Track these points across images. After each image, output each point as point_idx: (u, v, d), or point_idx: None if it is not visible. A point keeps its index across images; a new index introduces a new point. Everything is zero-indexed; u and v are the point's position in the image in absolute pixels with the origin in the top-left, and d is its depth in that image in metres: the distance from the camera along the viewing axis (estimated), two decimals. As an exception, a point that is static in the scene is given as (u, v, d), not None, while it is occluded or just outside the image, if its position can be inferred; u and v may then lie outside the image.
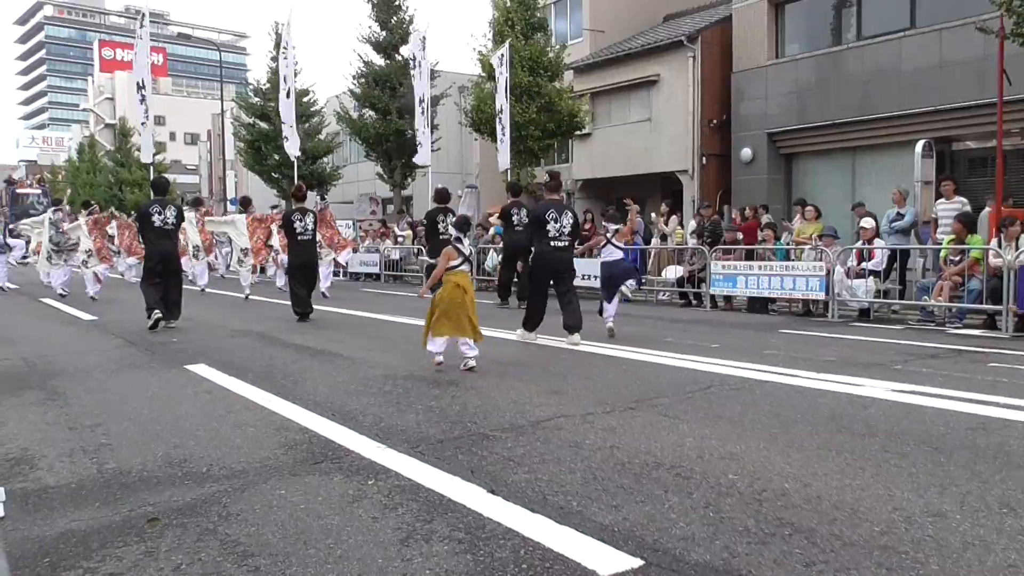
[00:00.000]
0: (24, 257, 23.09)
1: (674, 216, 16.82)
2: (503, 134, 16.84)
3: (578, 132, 22.59)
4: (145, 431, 4.46)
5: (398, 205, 28.07)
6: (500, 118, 16.91)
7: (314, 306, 11.01)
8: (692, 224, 16.01)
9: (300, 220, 10.77)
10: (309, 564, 2.62)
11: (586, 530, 2.85)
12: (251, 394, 5.43)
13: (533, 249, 8.50)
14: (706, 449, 3.92)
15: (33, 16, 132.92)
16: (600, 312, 9.18)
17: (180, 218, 10.10)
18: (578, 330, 8.04)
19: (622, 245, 9.20)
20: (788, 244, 12.74)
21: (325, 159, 32.58)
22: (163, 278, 9.83)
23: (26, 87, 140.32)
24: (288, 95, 20.37)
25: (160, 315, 9.54)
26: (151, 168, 23.42)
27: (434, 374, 6.13)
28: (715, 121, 21.62)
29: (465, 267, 6.46)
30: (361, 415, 4.75)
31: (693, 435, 4.19)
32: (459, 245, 6.50)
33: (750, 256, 12.44)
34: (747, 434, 4.21)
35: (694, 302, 13.12)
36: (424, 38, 17.86)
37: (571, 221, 8.44)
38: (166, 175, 15.86)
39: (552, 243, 8.32)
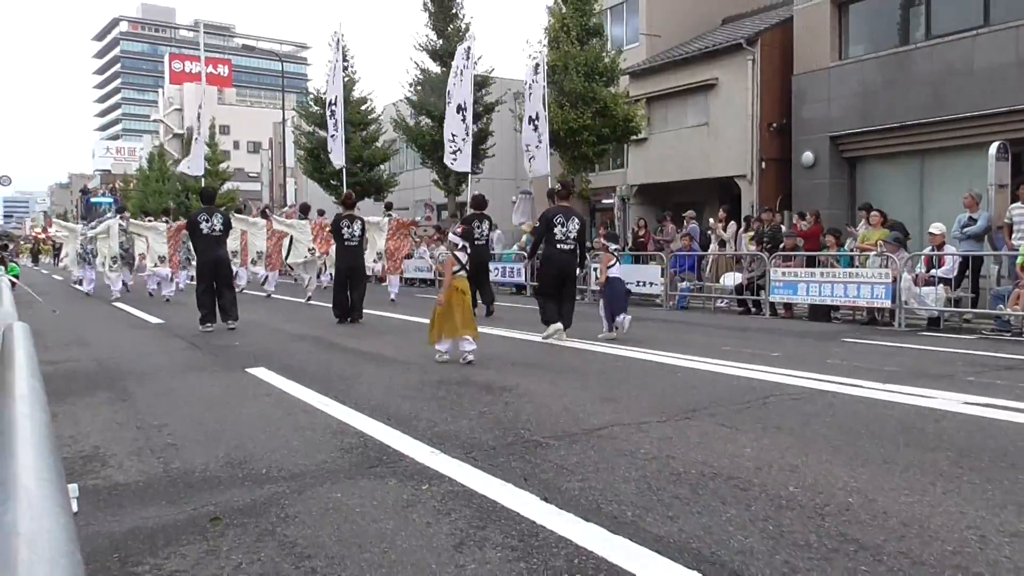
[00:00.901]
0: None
1: (732, 222, 16.57)
2: (539, 141, 16.71)
3: (634, 137, 22.44)
4: (208, 432, 4.56)
5: (453, 211, 28.28)
6: (536, 124, 16.77)
7: (366, 311, 11.16)
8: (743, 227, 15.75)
9: (348, 227, 11.07)
10: (364, 567, 2.64)
11: (641, 540, 2.80)
12: (309, 397, 5.51)
13: (541, 251, 9.07)
14: (765, 460, 3.83)
15: (110, 32, 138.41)
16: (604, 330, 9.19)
17: (227, 225, 10.41)
18: (568, 327, 8.77)
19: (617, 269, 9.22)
20: (852, 250, 12.44)
21: (382, 166, 33.04)
22: (216, 282, 10.18)
23: (102, 100, 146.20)
24: (332, 104, 20.33)
25: (211, 328, 9.87)
26: (202, 180, 23.98)
27: (486, 379, 6.15)
28: (775, 125, 21.24)
29: (463, 273, 7.14)
30: (415, 420, 4.78)
31: (752, 446, 4.10)
32: (458, 254, 7.14)
33: (812, 263, 12.18)
34: (809, 446, 4.10)
35: (753, 310, 12.91)
36: (469, 48, 18.02)
37: (578, 227, 8.97)
38: (230, 182, 16.58)
39: (559, 245, 8.84)
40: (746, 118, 21.56)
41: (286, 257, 15.48)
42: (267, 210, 18.03)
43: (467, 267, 7.24)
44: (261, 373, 6.61)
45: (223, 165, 46.61)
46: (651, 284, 14.56)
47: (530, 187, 22.23)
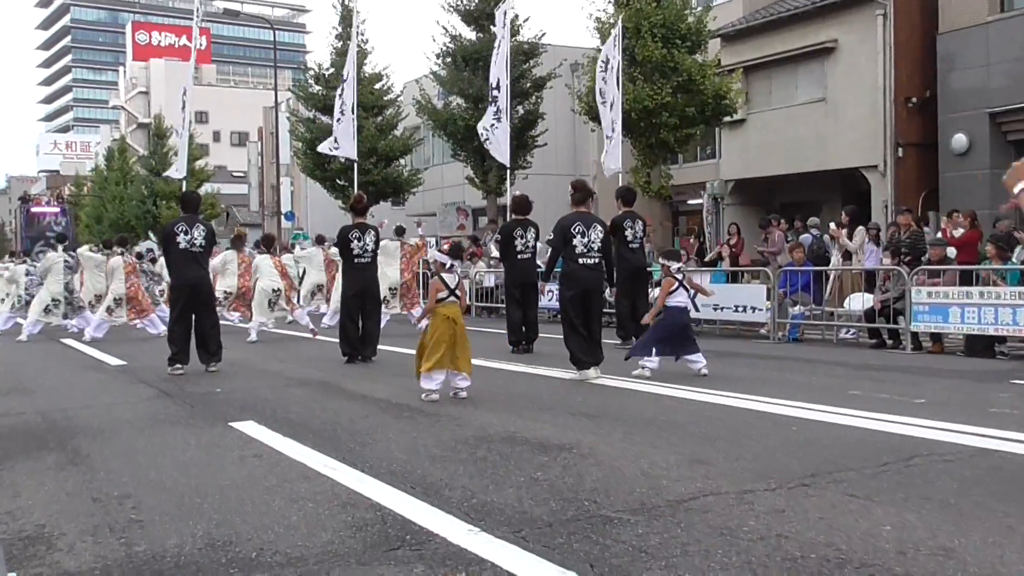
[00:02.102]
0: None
1: (860, 228, 16.36)
2: (612, 130, 16.76)
3: (727, 119, 22.39)
4: (182, 505, 4.63)
5: (493, 216, 28.37)
6: (609, 106, 16.81)
7: (383, 346, 11.25)
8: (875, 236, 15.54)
9: (359, 239, 11.07)
10: None
11: (745, 649, 2.77)
12: (310, 459, 5.57)
13: (560, 270, 9.57)
14: (910, 542, 3.77)
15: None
16: (635, 354, 9.31)
17: (211, 240, 10.58)
18: (599, 363, 9.09)
19: (687, 292, 9.25)
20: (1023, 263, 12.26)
21: (402, 160, 33.39)
22: (193, 312, 10.32)
23: (47, 82, 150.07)
24: (340, 80, 20.70)
25: (181, 371, 10.01)
26: (184, 183, 24.56)
27: (539, 436, 6.14)
28: (915, 100, 21.01)
29: (453, 300, 7.67)
30: (447, 488, 4.79)
31: (891, 522, 4.04)
32: (447, 277, 7.64)
33: (967, 280, 11.99)
34: (968, 522, 4.03)
35: (889, 342, 12.75)
36: (507, 13, 18.24)
37: (601, 236, 9.34)
38: (209, 182, 16.83)
39: (580, 260, 9.25)
40: (875, 91, 21.35)
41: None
42: (268, 239, 18.37)
43: (458, 292, 7.76)
44: (250, 428, 6.70)
45: (200, 163, 47.64)
46: (753, 309, 14.43)
47: (594, 183, 22.34)
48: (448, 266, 7.81)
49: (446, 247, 7.88)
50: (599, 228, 9.42)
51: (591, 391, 8.40)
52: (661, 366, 9.20)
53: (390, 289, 15.45)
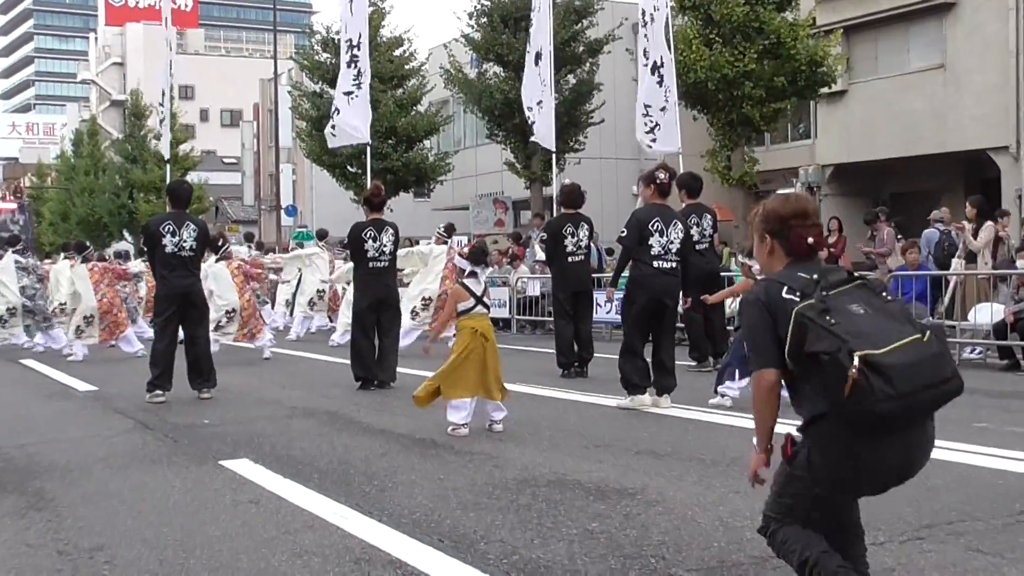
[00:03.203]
0: None
1: (988, 223, 16.14)
2: (665, 100, 16.62)
3: (825, 90, 22.25)
4: (164, 560, 4.67)
5: (538, 210, 28.33)
6: (661, 74, 16.64)
7: (404, 369, 11.27)
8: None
9: (374, 239, 11.09)
10: None
11: None
12: (317, 506, 5.60)
13: (628, 274, 9.56)
14: (1052, 611, 3.71)
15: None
16: (719, 384, 9.18)
17: (204, 241, 10.68)
18: (671, 390, 9.16)
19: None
20: None
21: (427, 143, 33.46)
22: (182, 327, 10.43)
23: (5, 52, 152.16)
24: (353, 47, 20.31)
25: (163, 398, 10.10)
26: (168, 165, 24.77)
27: (595, 479, 6.13)
28: (1056, 64, 20.72)
29: (481, 309, 7.79)
30: (483, 541, 4.80)
31: (1028, 587, 3.98)
32: (469, 282, 7.76)
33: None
34: (1124, 588, 3.96)
35: (1024, 363, 12.57)
36: None
37: (681, 236, 9.33)
38: (195, 171, 16.84)
39: (656, 263, 9.23)
40: (1005, 55, 21.10)
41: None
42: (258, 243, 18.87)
43: (485, 300, 7.85)
44: (244, 468, 6.75)
45: (185, 147, 48.03)
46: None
47: (662, 171, 22.28)
48: (469, 272, 7.89)
49: (467, 250, 7.88)
50: (680, 226, 9.42)
51: (659, 424, 8.38)
52: (746, 393, 9.16)
53: (423, 300, 15.59)
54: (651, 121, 16.76)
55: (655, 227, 9.22)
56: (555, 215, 12.71)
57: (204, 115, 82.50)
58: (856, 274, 3.51)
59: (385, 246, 11.16)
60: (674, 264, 9.35)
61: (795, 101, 21.79)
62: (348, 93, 19.80)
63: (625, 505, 5.46)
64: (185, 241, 10.31)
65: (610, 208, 27.54)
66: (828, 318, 3.21)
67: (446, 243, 16.23)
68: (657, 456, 6.90)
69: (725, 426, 8.16)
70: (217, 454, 7.27)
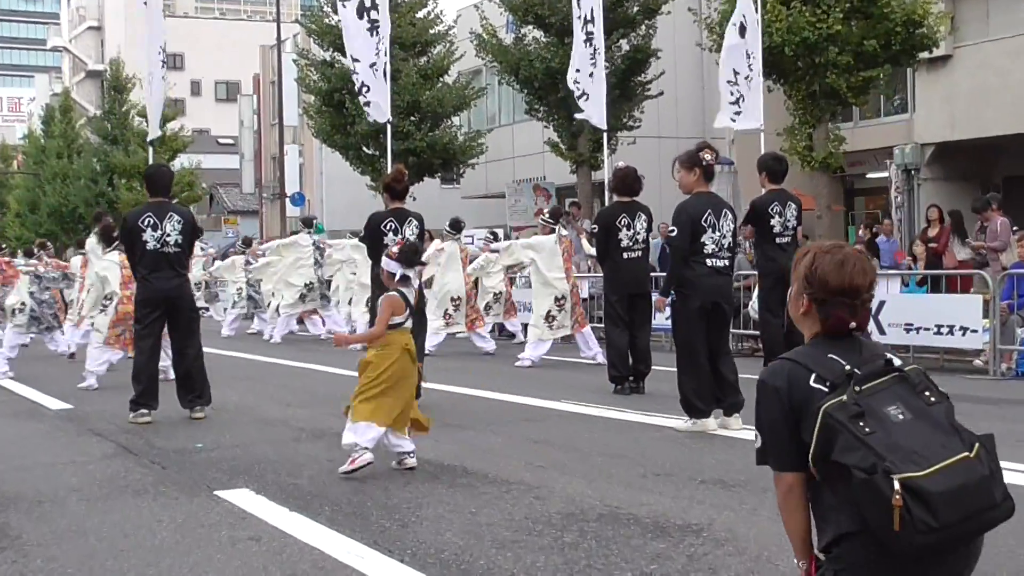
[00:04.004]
0: None
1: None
2: (749, 69, 16.51)
3: (924, 55, 22.07)
4: (150, 605, 4.69)
5: (586, 198, 28.26)
6: (739, 30, 16.54)
7: (432, 385, 11.25)
8: None
9: (395, 232, 10.99)
10: None
11: None
12: (328, 543, 5.59)
13: (682, 275, 9.38)
14: None
15: None
16: None
17: (191, 234, 10.63)
18: (739, 408, 9.01)
19: None
20: None
21: (455, 120, 33.46)
22: (168, 336, 10.47)
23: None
24: (369, 7, 20.24)
25: (148, 418, 10.10)
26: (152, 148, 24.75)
27: (653, 513, 6.10)
28: None
29: (409, 323, 7.56)
30: (523, 586, 4.79)
31: None
32: (404, 289, 7.50)
33: None
34: None
35: None
36: None
37: (732, 227, 9.40)
38: (185, 152, 16.87)
39: (709, 262, 9.17)
40: None
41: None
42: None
43: (415, 308, 7.72)
44: (243, 499, 6.76)
45: (174, 125, 48.15)
46: (964, 331, 14.17)
47: (730, 151, 22.16)
48: (400, 277, 7.56)
49: (395, 249, 7.60)
50: (730, 217, 9.40)
51: (728, 449, 8.34)
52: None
53: (452, 300, 15.58)
54: (736, 92, 16.71)
55: (707, 221, 9.19)
56: (607, 204, 12.62)
57: (195, 88, 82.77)
58: (894, 362, 3.37)
59: (409, 240, 11.15)
60: (727, 262, 9.37)
61: (888, 68, 21.59)
62: (372, 65, 19.82)
63: (689, 544, 5.43)
64: (169, 235, 10.23)
65: (669, 195, 27.24)
66: (862, 424, 3.11)
67: (457, 240, 16.41)
68: (726, 487, 6.86)
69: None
70: (212, 483, 7.27)
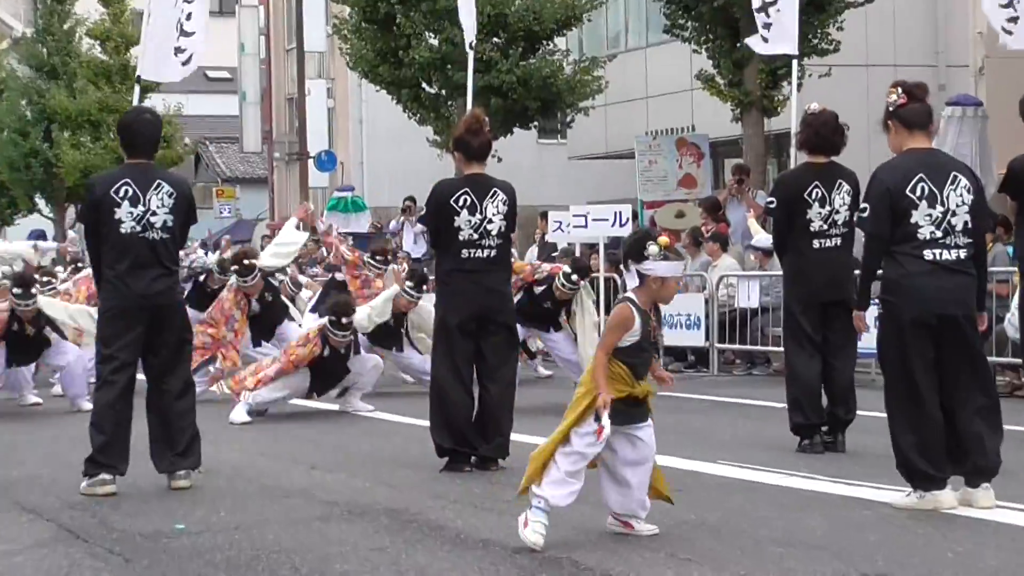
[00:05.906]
0: None
1: None
2: None
3: None
4: None
5: (757, 158, 28.06)
6: None
7: (519, 436, 11.28)
8: None
9: (472, 209, 11.03)
10: None
11: None
12: None
13: (885, 276, 9.26)
14: None
15: None
16: None
17: (187, 213, 10.56)
18: (992, 475, 8.87)
19: None
20: None
21: (559, 42, 33.42)
22: (145, 363, 10.43)
23: None
24: None
25: (113, 487, 10.04)
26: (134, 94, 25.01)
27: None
28: None
29: None
30: None
31: None
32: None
33: None
34: None
35: None
36: None
37: (970, 200, 9.01)
38: (159, 92, 17.10)
39: (928, 253, 8.90)
40: None
41: None
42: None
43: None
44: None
45: (138, 50, 48.42)
46: None
47: (976, 86, 22.12)
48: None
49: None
50: (964, 183, 9.04)
51: (975, 536, 8.19)
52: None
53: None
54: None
55: (920, 192, 8.85)
56: (790, 168, 12.48)
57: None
58: None
59: (491, 221, 11.13)
60: (962, 254, 8.93)
61: None
62: None
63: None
64: (155, 214, 10.17)
65: (879, 153, 26.91)
66: None
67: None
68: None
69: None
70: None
